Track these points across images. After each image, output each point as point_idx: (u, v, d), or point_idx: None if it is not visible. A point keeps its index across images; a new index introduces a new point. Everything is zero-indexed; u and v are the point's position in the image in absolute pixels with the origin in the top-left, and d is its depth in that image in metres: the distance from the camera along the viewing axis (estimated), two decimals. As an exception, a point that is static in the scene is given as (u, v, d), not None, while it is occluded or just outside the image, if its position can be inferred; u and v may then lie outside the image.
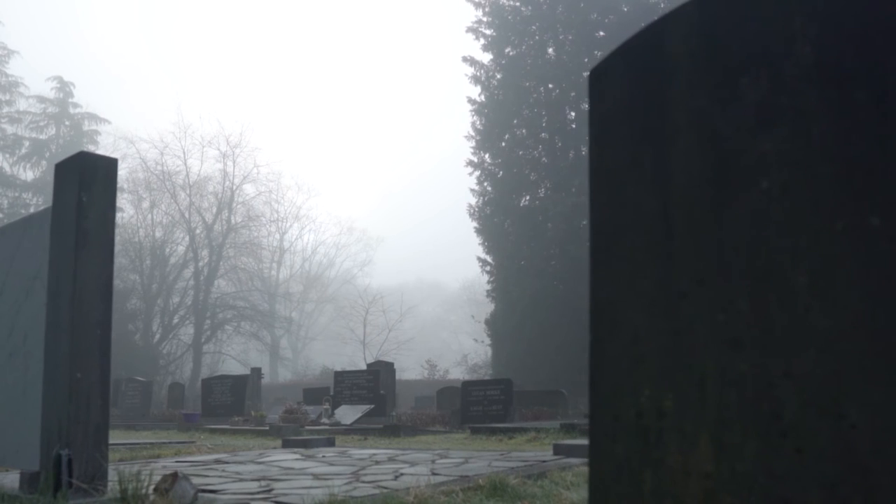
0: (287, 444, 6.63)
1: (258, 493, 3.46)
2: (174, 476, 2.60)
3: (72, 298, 2.99)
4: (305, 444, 6.45)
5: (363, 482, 3.80)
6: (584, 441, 5.61)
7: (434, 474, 4.05)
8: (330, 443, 6.80)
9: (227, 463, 5.07)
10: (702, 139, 1.14)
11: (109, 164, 3.19)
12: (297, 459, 5.22)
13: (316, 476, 4.13)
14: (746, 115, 1.07)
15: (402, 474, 4.14)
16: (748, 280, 1.03)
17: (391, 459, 5.12)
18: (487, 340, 26.24)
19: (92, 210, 3.07)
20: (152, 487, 2.59)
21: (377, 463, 4.87)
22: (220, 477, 4.13)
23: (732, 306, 1.04)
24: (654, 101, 1.24)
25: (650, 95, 1.25)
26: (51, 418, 2.97)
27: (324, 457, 5.38)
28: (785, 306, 0.99)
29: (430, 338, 50.62)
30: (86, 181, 3.07)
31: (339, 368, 28.66)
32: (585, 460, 4.63)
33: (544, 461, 4.64)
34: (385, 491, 3.38)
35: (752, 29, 1.07)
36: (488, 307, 27.60)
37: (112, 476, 3.14)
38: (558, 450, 4.98)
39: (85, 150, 31.47)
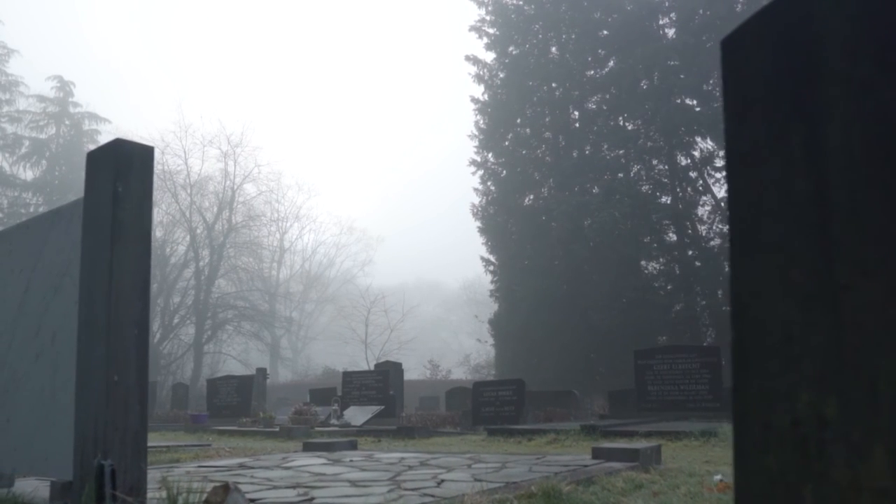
0: (308, 448, 6.44)
1: (299, 502, 3.28)
2: (225, 487, 2.41)
3: (107, 295, 2.80)
4: (328, 448, 6.27)
5: (407, 490, 3.61)
6: (624, 444, 5.43)
7: (477, 480, 3.86)
8: (352, 446, 6.61)
9: (252, 468, 4.88)
10: (863, 112, 0.97)
11: (145, 153, 3.00)
12: (324, 464, 5.03)
13: (353, 483, 3.94)
14: (919, 83, 0.90)
15: (443, 480, 3.95)
16: (925, 268, 0.87)
17: (423, 464, 4.94)
18: (490, 340, 26.09)
19: (128, 201, 2.88)
20: (204, 497, 2.41)
21: (410, 468, 4.68)
22: (251, 484, 3.94)
23: (908, 298, 0.88)
24: (803, 71, 1.07)
25: (799, 65, 1.08)
26: (86, 425, 2.78)
27: (351, 461, 5.20)
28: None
29: (431, 338, 50.48)
30: (121, 170, 2.88)
31: (340, 368, 28.43)
32: (629, 464, 4.47)
33: (586, 466, 4.46)
34: (435, 499, 3.20)
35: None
36: (489, 307, 27.45)
37: (151, 484, 2.96)
38: (598, 453, 4.81)
39: (87, 148, 31.21)
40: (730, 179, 1.21)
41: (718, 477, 3.86)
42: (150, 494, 2.85)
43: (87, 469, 2.73)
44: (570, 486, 3.52)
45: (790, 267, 1.09)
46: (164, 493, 2.49)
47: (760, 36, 1.18)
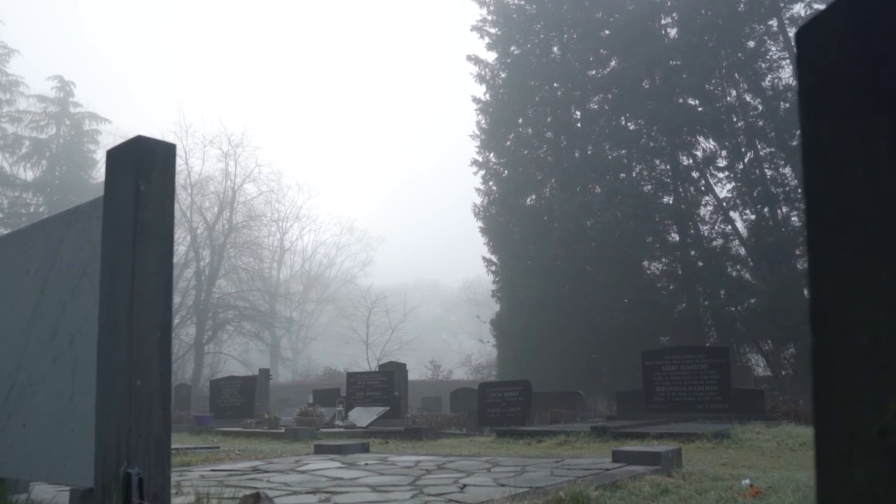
0: (319, 451, 6.36)
1: (323, 508, 3.21)
2: (257, 496, 2.34)
3: (130, 298, 2.72)
4: (340, 451, 6.19)
5: (431, 495, 3.53)
6: (645, 447, 5.36)
7: (500, 485, 3.79)
8: (364, 448, 6.54)
9: (267, 472, 4.80)
10: (956, 105, 0.90)
11: (167, 150, 2.92)
12: (339, 468, 4.95)
13: (373, 488, 3.87)
14: None
15: (465, 485, 3.88)
16: None
17: (440, 467, 4.86)
18: (492, 341, 25.99)
19: (150, 200, 2.80)
20: (234, 508, 2.34)
21: (428, 472, 4.61)
22: (269, 489, 3.86)
23: None
24: (889, 62, 1.00)
25: (884, 56, 1.01)
26: (107, 431, 2.70)
27: (366, 465, 5.12)
28: None
29: (431, 338, 50.39)
30: (143, 168, 2.80)
31: (341, 369, 28.28)
32: (651, 468, 4.40)
33: (608, 469, 4.39)
34: (464, 506, 3.13)
35: None
36: (490, 307, 27.38)
37: (173, 491, 2.88)
38: (618, 456, 4.73)
39: (87, 148, 30.91)
40: (807, 178, 1.14)
41: (747, 482, 3.79)
42: (173, 501, 2.77)
43: (108, 476, 2.65)
44: (597, 491, 3.44)
45: (876, 269, 1.02)
46: (191, 499, 2.41)
47: (840, 24, 1.11)
